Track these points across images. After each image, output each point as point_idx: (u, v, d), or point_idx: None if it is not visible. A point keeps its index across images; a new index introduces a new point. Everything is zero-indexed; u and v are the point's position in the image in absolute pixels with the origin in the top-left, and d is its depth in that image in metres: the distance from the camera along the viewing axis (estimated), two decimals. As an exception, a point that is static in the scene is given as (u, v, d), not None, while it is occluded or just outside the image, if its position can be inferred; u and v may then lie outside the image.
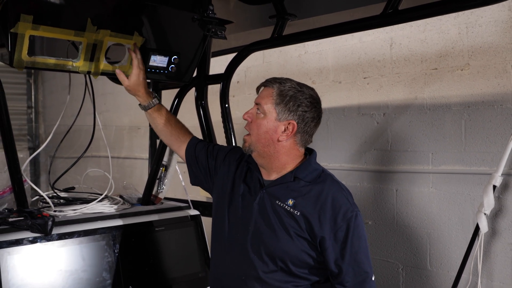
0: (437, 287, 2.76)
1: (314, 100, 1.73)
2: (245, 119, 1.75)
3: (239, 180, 1.83)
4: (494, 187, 2.38)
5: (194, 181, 2.04)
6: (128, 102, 5.09)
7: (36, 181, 6.22)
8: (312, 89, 1.76)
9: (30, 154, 6.48)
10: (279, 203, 1.69)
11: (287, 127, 1.69)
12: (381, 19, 1.88)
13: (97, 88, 5.77)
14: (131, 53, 2.04)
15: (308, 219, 1.64)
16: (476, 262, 2.45)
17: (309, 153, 1.80)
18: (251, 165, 1.83)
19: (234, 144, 2.43)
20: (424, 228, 2.82)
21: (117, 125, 5.09)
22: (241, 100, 3.91)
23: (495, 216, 2.52)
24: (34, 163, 6.51)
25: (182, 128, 2.09)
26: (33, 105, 6.78)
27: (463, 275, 2.50)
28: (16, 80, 6.73)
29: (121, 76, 2.02)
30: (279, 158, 1.73)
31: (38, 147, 6.51)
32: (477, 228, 2.42)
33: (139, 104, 2.07)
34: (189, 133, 2.10)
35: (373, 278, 1.67)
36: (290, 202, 1.68)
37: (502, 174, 2.38)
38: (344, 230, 1.62)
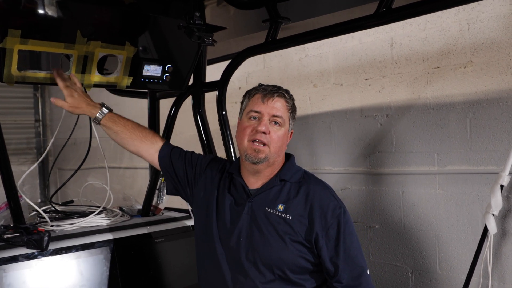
0: (448, 291, 2.69)
1: None
2: (263, 132, 1.67)
3: (223, 191, 1.78)
4: (502, 186, 2.31)
5: (171, 190, 1.94)
6: (132, 113, 5.09)
7: (47, 195, 6.27)
8: None
9: (39, 168, 6.52)
10: (269, 210, 1.68)
11: (290, 135, 1.79)
12: (374, 18, 1.84)
13: (100, 100, 5.79)
14: (56, 77, 1.90)
15: (301, 221, 1.65)
16: (486, 264, 2.38)
17: (287, 157, 1.81)
18: (234, 175, 1.79)
19: (233, 152, 2.39)
20: (432, 231, 2.75)
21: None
22: (244, 107, 3.88)
23: (504, 216, 2.44)
24: (44, 176, 6.55)
25: (144, 131, 1.94)
26: (40, 118, 6.82)
27: (474, 278, 2.43)
28: (23, 94, 6.78)
29: (58, 102, 1.87)
30: (278, 163, 1.76)
31: (47, 161, 6.54)
32: (485, 230, 2.35)
33: (92, 120, 1.93)
34: (156, 135, 1.98)
35: (368, 272, 1.67)
36: (281, 207, 1.68)
37: (509, 173, 2.31)
38: (335, 227, 1.64)
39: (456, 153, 2.65)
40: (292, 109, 1.76)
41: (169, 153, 1.91)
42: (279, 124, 1.70)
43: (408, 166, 2.85)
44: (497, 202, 2.30)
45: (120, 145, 1.95)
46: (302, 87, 3.41)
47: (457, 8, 2.62)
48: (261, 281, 1.64)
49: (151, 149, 1.92)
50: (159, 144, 1.93)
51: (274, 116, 1.70)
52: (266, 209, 1.68)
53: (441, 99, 2.71)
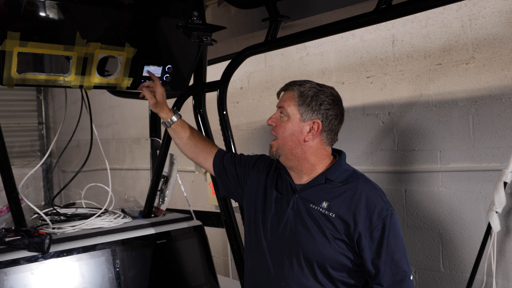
0: (452, 289, 2.67)
1: (335, 98, 1.75)
2: (270, 125, 1.78)
3: (270, 187, 1.84)
4: (505, 183, 2.29)
5: (224, 192, 2.05)
6: (134, 114, 5.10)
7: (49, 197, 6.27)
8: (332, 88, 1.77)
9: (43, 171, 6.53)
10: (314, 206, 1.70)
11: (312, 126, 1.71)
12: (375, 15, 1.81)
13: (104, 101, 5.81)
14: (151, 76, 2.12)
15: (344, 220, 1.64)
16: (490, 262, 2.36)
17: (338, 154, 1.81)
18: (282, 171, 1.85)
19: (234, 151, 2.38)
20: (435, 229, 2.73)
21: (123, 137, 5.09)
22: (245, 106, 3.87)
23: (508, 213, 2.42)
24: (47, 178, 6.56)
25: (206, 141, 2.11)
26: (44, 121, 6.84)
27: (478, 276, 2.41)
28: (26, 97, 6.81)
29: (148, 93, 2.05)
30: (308, 159, 1.74)
31: (51, 163, 6.55)
32: (489, 227, 2.33)
33: (162, 122, 2.09)
34: (214, 145, 2.12)
35: (411, 278, 1.65)
36: (325, 204, 1.69)
37: (513, 170, 2.29)
38: (380, 229, 1.62)
39: (459, 150, 2.63)
40: (302, 98, 1.70)
41: (221, 158, 2.03)
42: (284, 115, 1.73)
43: (410, 164, 2.83)
44: (500, 199, 2.28)
45: (181, 149, 2.11)
46: (304, 86, 3.40)
47: (458, 3, 2.60)
48: (303, 275, 1.68)
49: (209, 157, 2.05)
50: (214, 152, 2.06)
51: (278, 108, 1.76)
52: (311, 205, 1.71)
53: (443, 96, 2.70)
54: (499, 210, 2.30)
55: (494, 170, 2.46)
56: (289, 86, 1.76)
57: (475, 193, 2.56)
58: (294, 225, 1.71)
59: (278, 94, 1.81)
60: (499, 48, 2.48)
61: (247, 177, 1.95)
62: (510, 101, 2.44)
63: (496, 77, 2.49)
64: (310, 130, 1.71)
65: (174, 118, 2.05)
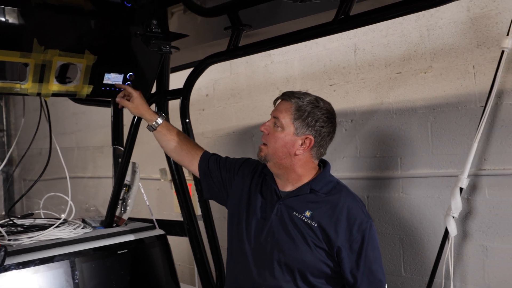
0: (413, 293, 2.73)
1: (330, 115, 1.79)
2: (262, 131, 1.80)
3: (255, 191, 1.86)
4: (461, 189, 2.36)
5: (208, 194, 2.06)
6: (99, 121, 5.01)
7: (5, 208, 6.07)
8: (329, 104, 1.81)
9: (3, 180, 6.33)
10: (297, 214, 1.74)
11: (304, 141, 1.74)
12: (334, 25, 1.85)
13: (68, 108, 5.67)
14: (122, 87, 2.14)
15: (325, 230, 1.69)
16: (448, 266, 2.42)
17: (323, 164, 1.86)
18: (267, 176, 1.86)
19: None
20: (396, 234, 2.79)
21: (87, 144, 4.99)
22: (211, 113, 3.86)
23: (465, 218, 2.49)
24: (8, 188, 6.36)
25: (191, 143, 2.12)
26: (5, 128, 6.64)
27: (436, 279, 2.47)
28: (-14, 104, 6.60)
29: (123, 102, 2.08)
30: (295, 170, 1.78)
31: (11, 172, 6.36)
32: (446, 232, 2.39)
33: (147, 126, 2.08)
34: (199, 147, 2.12)
35: (385, 286, 1.73)
36: (308, 213, 1.72)
37: (468, 176, 2.36)
38: (359, 241, 1.68)
39: (418, 157, 2.70)
40: (299, 112, 1.72)
41: (207, 161, 2.04)
42: (278, 126, 1.75)
43: (372, 171, 2.88)
44: (457, 204, 2.34)
45: (167, 152, 2.13)
46: (268, 93, 3.42)
47: (417, 14, 2.67)
48: (283, 280, 1.70)
49: (194, 159, 2.05)
50: (200, 154, 2.06)
51: (274, 117, 1.79)
52: (294, 213, 1.74)
53: (403, 104, 2.76)
54: (456, 215, 2.36)
55: (451, 176, 2.52)
56: (288, 97, 1.77)
57: (434, 198, 2.63)
58: (277, 232, 1.75)
59: (275, 101, 1.83)
60: (455, 58, 2.56)
61: (232, 180, 1.97)
62: (466, 109, 2.53)
63: (452, 85, 2.57)
64: (302, 144, 1.74)
65: (160, 121, 2.05)
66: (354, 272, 1.69)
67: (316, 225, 1.70)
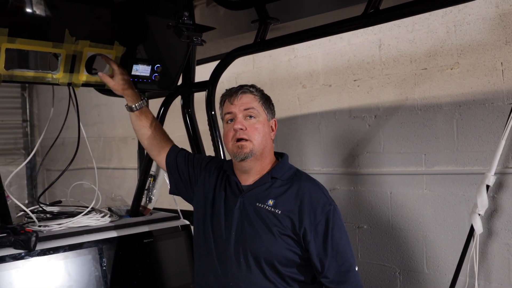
0: (435, 291, 2.71)
1: None
2: (239, 129, 1.74)
3: (219, 188, 1.86)
4: (488, 187, 2.33)
5: (174, 190, 2.04)
6: (121, 113, 5.07)
7: (35, 195, 6.21)
8: None
9: (27, 169, 6.46)
10: (260, 204, 1.74)
11: (273, 125, 1.83)
12: (363, 19, 1.85)
13: (90, 100, 5.75)
14: (107, 61, 2.08)
15: (289, 216, 1.69)
16: (472, 264, 2.40)
17: (280, 156, 1.87)
18: (228, 172, 1.86)
19: (222, 152, 2.39)
20: (419, 231, 2.77)
21: (108, 136, 5.06)
22: (233, 107, 3.88)
23: (490, 216, 2.47)
24: (31, 177, 6.49)
25: (165, 135, 2.11)
26: (28, 118, 6.76)
27: (460, 277, 2.45)
28: (11, 94, 6.72)
29: (105, 78, 2.04)
30: (269, 157, 1.81)
31: (34, 161, 6.48)
32: (472, 229, 2.37)
33: (126, 105, 2.07)
34: (170, 140, 2.11)
35: (356, 269, 1.70)
36: (271, 202, 1.73)
37: (495, 173, 2.34)
38: (323, 223, 1.67)
39: (443, 153, 2.68)
40: (263, 99, 1.80)
41: (175, 155, 2.04)
42: (253, 116, 1.76)
43: (396, 167, 2.87)
44: (483, 202, 2.32)
45: (139, 136, 2.11)
46: (291, 87, 3.43)
47: (444, 10, 2.65)
48: (251, 273, 1.68)
49: (162, 151, 2.05)
50: (168, 147, 2.06)
51: (245, 110, 1.76)
52: (257, 204, 1.74)
53: (428, 100, 2.74)
54: (482, 212, 2.34)
55: (477, 173, 2.50)
56: (246, 90, 1.79)
57: (459, 196, 2.61)
58: (241, 225, 1.74)
59: (230, 99, 1.78)
60: (483, 54, 2.53)
61: (198, 177, 1.95)
62: (493, 106, 2.50)
63: (479, 82, 2.55)
64: (273, 130, 1.83)
65: (143, 103, 2.05)
66: (321, 256, 1.66)
67: (280, 212, 1.69)
